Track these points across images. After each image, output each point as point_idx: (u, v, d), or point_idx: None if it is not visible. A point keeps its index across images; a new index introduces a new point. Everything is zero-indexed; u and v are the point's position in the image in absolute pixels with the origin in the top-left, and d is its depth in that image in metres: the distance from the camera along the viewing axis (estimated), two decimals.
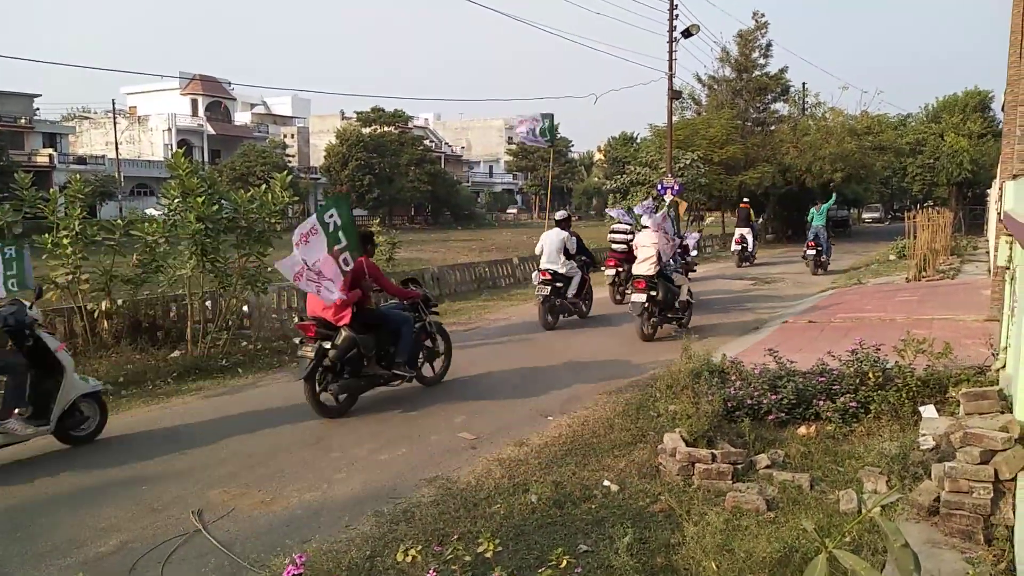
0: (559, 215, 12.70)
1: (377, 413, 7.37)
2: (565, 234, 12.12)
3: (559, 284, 11.84)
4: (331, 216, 6.68)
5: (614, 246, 14.57)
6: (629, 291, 11.54)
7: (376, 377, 7.48)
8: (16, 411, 6.00)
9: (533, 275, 12.43)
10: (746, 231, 23.73)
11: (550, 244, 12.01)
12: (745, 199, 27.79)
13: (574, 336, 11.44)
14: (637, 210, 13.59)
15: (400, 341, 7.59)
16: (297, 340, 7.37)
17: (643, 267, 10.65)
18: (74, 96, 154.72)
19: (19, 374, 6.12)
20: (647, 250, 10.71)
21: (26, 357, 6.17)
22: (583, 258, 12.62)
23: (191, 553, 4.44)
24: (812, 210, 21.62)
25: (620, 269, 14.11)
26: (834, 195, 27.39)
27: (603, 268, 14.64)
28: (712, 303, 14.61)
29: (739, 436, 5.71)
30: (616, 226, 14.81)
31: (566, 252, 12.01)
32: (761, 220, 33.17)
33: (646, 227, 11.07)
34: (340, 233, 6.70)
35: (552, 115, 17.77)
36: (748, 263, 23.33)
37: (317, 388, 7.05)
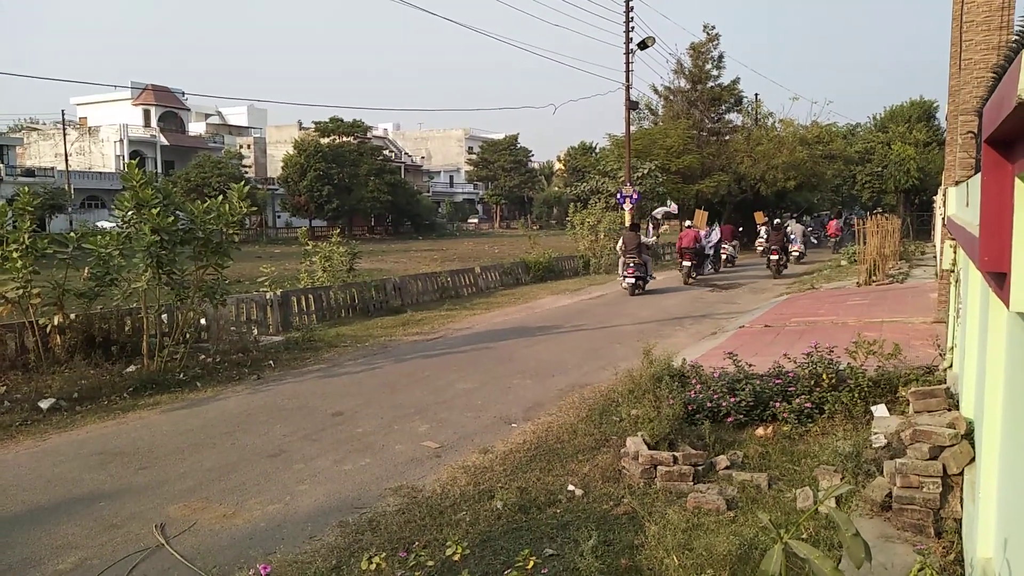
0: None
1: (339, 424, 7.34)
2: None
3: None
4: None
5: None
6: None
7: None
8: None
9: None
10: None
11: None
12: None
13: (537, 344, 11.52)
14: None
15: None
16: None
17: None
18: (22, 107, 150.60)
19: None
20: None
21: None
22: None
23: (153, 568, 4.37)
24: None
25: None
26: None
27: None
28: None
29: (699, 438, 5.83)
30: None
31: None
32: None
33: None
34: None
35: None
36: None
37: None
